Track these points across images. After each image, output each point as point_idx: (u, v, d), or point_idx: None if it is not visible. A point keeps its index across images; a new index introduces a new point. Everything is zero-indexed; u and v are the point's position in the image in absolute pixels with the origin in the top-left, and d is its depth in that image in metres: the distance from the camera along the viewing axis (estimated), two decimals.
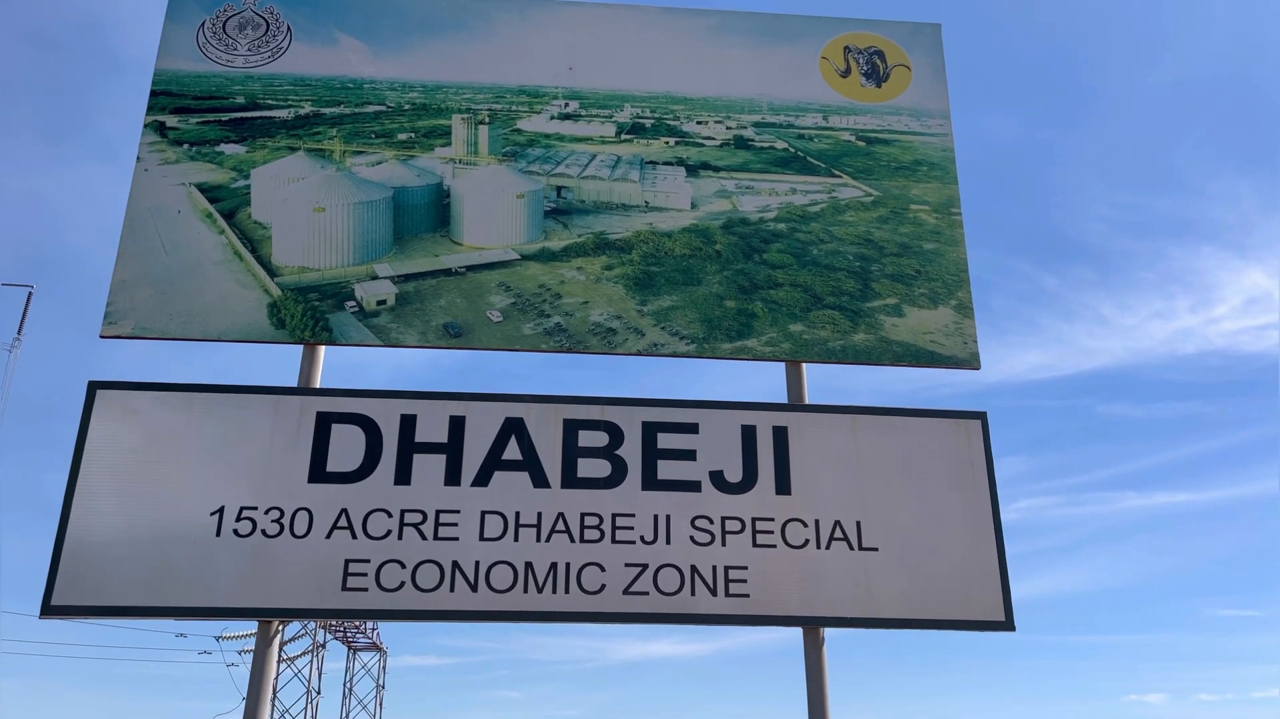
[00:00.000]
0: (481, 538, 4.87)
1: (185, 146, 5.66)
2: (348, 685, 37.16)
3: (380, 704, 37.61)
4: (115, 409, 4.95)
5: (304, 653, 33.67)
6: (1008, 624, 5.00)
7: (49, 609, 4.55)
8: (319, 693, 33.99)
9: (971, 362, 5.56)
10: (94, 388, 4.97)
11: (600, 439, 5.14)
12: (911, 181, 6.03)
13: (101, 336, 5.13)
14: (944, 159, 6.10)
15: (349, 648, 37.33)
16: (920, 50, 6.37)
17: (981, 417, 5.38)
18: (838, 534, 5.06)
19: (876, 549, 5.03)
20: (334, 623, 32.89)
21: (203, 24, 5.93)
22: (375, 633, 36.87)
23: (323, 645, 35.10)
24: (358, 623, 34.53)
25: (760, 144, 6.07)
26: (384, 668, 38.37)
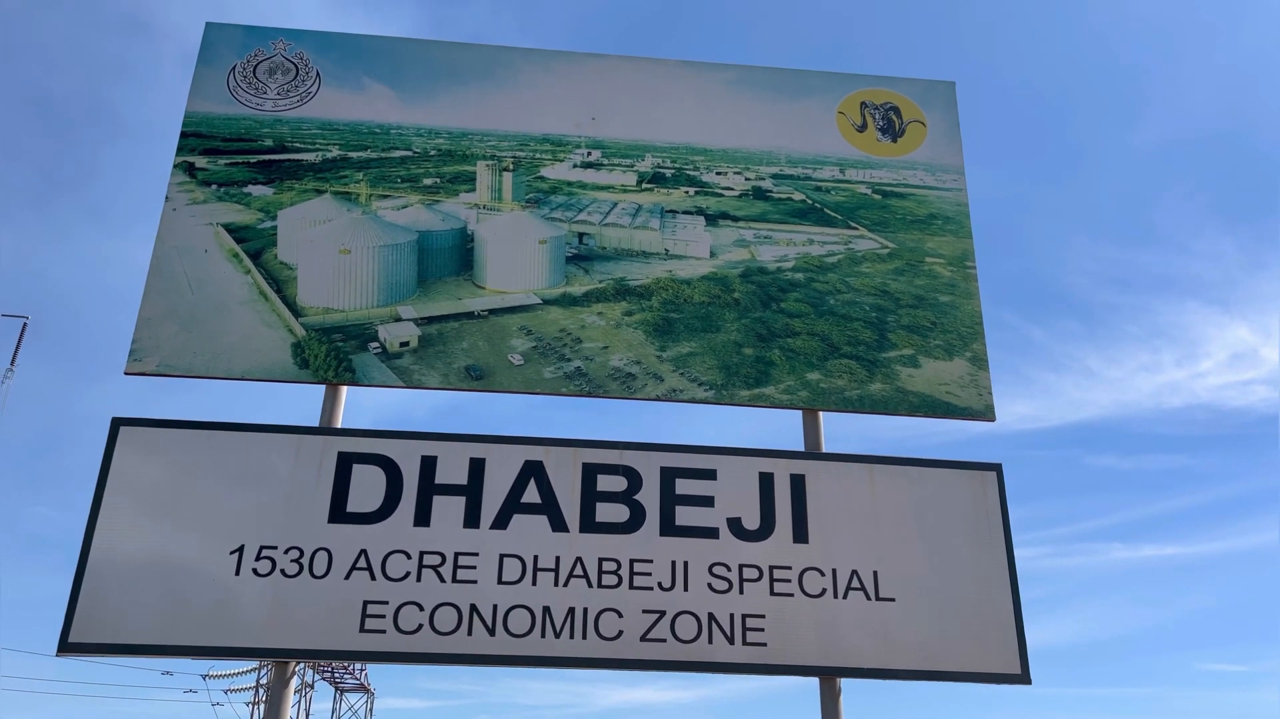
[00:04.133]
0: (500, 581, 4.86)
1: (213, 187, 5.74)
2: None
3: None
4: (138, 446, 4.96)
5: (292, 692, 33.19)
6: (1023, 677, 4.99)
7: (66, 647, 4.52)
8: None
9: (987, 414, 5.61)
10: (117, 424, 4.98)
11: (619, 484, 5.16)
12: (927, 235, 6.13)
13: (126, 373, 5.16)
14: (958, 213, 6.20)
15: (336, 689, 36.84)
16: (935, 106, 6.50)
17: (997, 468, 5.42)
18: (855, 584, 5.07)
19: (894, 599, 5.04)
20: (323, 663, 32.49)
21: (234, 68, 6.03)
22: (364, 674, 36.41)
23: (311, 685, 34.64)
24: (346, 664, 34.08)
25: (778, 195, 6.17)
26: (370, 710, 37.84)
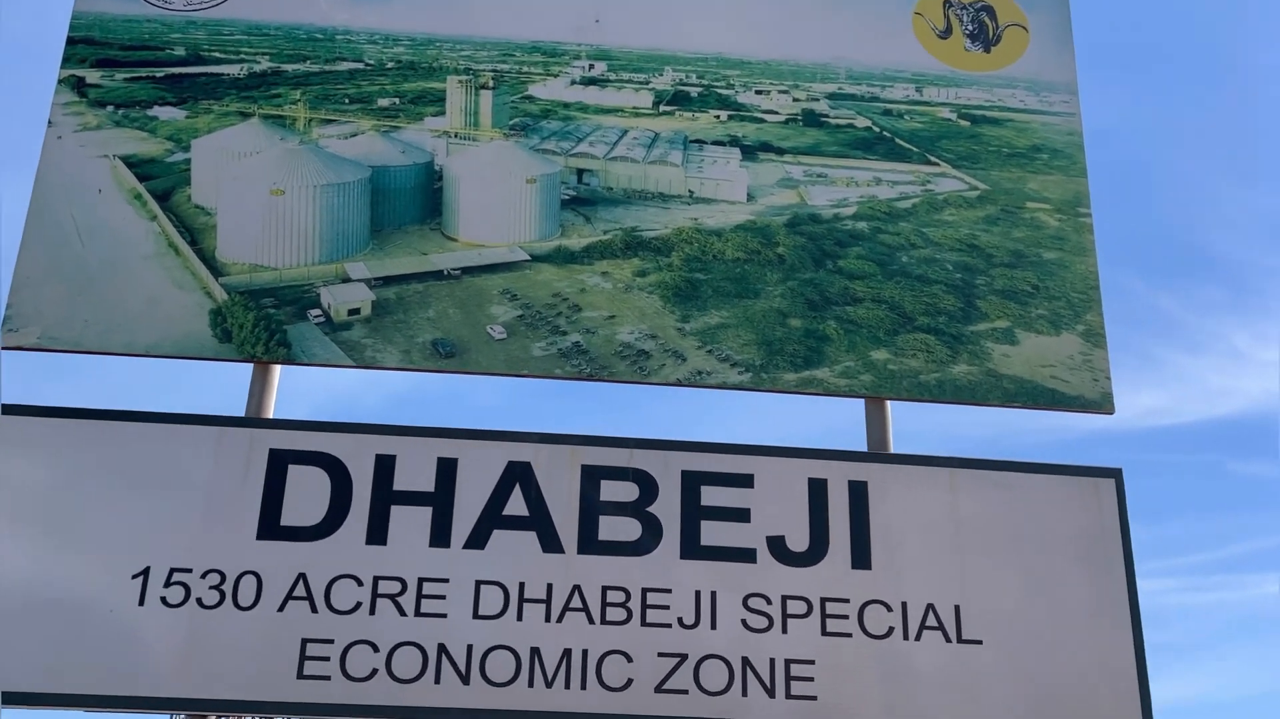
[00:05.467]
0: (476, 615, 4.92)
1: (110, 109, 5.79)
2: None
3: None
4: (14, 439, 5.03)
5: None
6: None
7: None
8: None
9: (1104, 404, 5.62)
10: None
11: (628, 492, 5.21)
12: (1028, 173, 6.13)
13: (3, 348, 5.22)
14: (1069, 145, 6.20)
15: None
16: (1040, 6, 6.49)
17: (1116, 474, 5.44)
18: (930, 622, 5.10)
19: (980, 642, 5.07)
20: (252, 716, 32.88)
21: None
22: None
23: None
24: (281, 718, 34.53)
25: (836, 121, 6.18)
26: None
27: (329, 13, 6.10)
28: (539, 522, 5.10)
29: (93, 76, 5.85)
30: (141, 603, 4.81)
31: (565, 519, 5.12)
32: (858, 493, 5.30)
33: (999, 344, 5.69)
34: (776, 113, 6.18)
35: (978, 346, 5.67)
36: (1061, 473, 5.43)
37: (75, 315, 5.29)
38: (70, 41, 5.88)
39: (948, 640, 5.08)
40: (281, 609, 4.85)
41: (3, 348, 5.24)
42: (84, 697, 4.70)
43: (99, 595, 4.80)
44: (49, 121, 5.69)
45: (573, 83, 6.12)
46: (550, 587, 4.99)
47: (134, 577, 4.84)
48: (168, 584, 4.85)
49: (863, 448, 5.50)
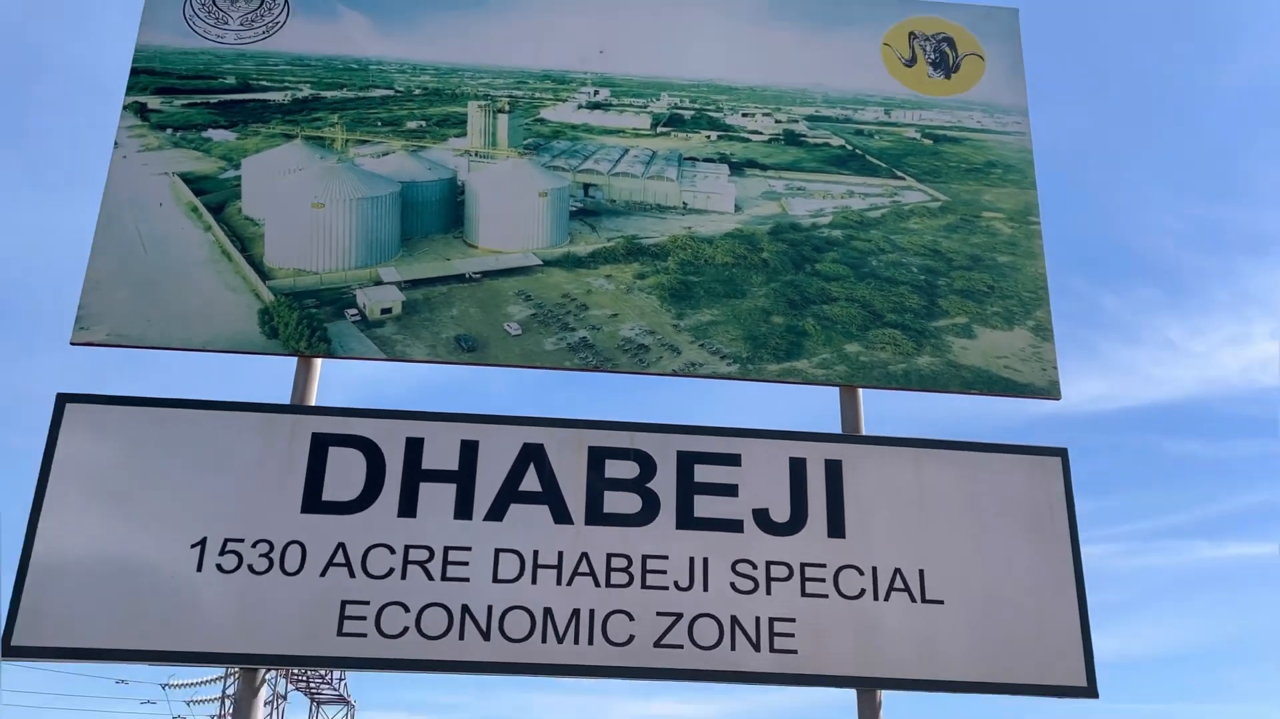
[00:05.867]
0: (495, 579, 4.91)
1: (169, 131, 5.75)
2: None
3: None
4: (86, 425, 5.01)
5: (263, 703, 33.69)
6: (1090, 691, 5.01)
7: (9, 650, 4.59)
8: None
9: (1051, 391, 5.60)
10: (63, 401, 5.03)
11: (630, 470, 5.19)
12: (984, 186, 6.09)
13: (73, 343, 5.20)
14: (1021, 160, 6.16)
15: (313, 701, 37.34)
16: (995, 38, 6.44)
17: (1062, 453, 5.41)
18: (898, 584, 5.09)
19: (942, 602, 5.06)
20: (297, 672, 32.93)
21: None
22: (343, 684, 36.89)
23: (283, 697, 35.12)
24: (323, 673, 34.55)
25: (814, 140, 6.15)
26: None
27: (363, 45, 6.07)
28: (551, 497, 5.09)
29: (154, 103, 5.81)
30: (199, 569, 4.80)
31: (574, 494, 5.10)
32: (833, 470, 5.28)
33: (958, 338, 5.66)
34: (760, 133, 6.15)
35: (939, 340, 5.64)
36: (1013, 452, 5.41)
37: (139, 314, 5.26)
38: (134, 72, 5.85)
39: (913, 601, 5.06)
40: (323, 574, 4.84)
41: (75, 343, 5.22)
42: (149, 652, 4.70)
43: (162, 563, 4.79)
44: (115, 143, 5.66)
45: (579, 107, 6.08)
46: (561, 554, 4.98)
47: (192, 546, 4.83)
48: (222, 553, 4.84)
49: (838, 431, 5.48)
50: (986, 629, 5.03)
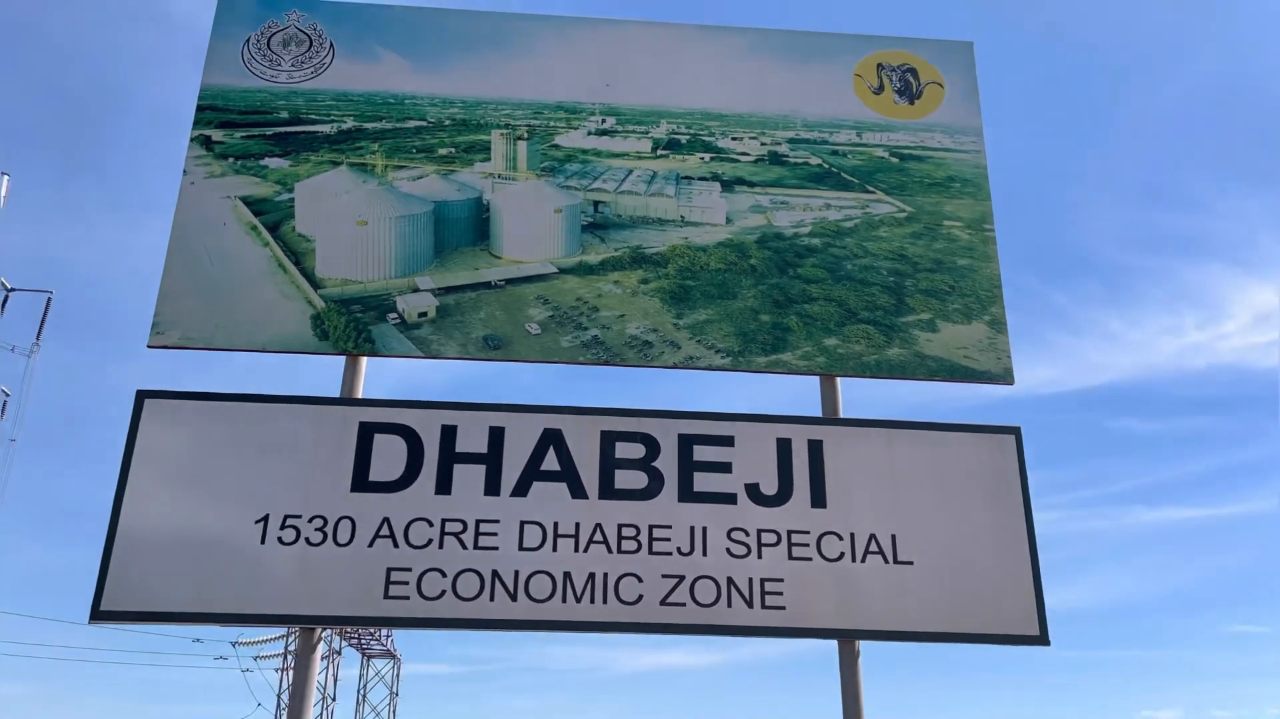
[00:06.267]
0: (521, 547, 4.94)
1: (231, 160, 5.78)
2: (361, 693, 37.27)
3: (394, 712, 37.69)
4: (162, 418, 5.05)
5: (320, 658, 33.78)
6: (1042, 638, 5.03)
7: (99, 614, 4.64)
8: (334, 699, 34.10)
9: (1005, 377, 5.60)
10: (142, 397, 5.06)
11: (637, 451, 5.21)
12: (945, 198, 6.09)
13: (149, 346, 5.23)
14: (977, 175, 6.16)
15: (363, 655, 37.44)
16: (953, 68, 6.44)
17: (1016, 431, 5.43)
18: (873, 547, 5.11)
19: (912, 563, 5.08)
20: (349, 629, 33.03)
21: (248, 40, 6.05)
22: (390, 640, 36.97)
23: (338, 652, 35.22)
24: (372, 629, 34.65)
25: (794, 160, 6.15)
26: (398, 675, 38.46)
27: (400, 83, 6.08)
28: (568, 475, 5.11)
29: (217, 135, 5.84)
30: (263, 542, 4.84)
31: (589, 473, 5.13)
32: (815, 449, 5.30)
33: (924, 332, 5.67)
34: (748, 154, 6.15)
35: (907, 334, 5.65)
36: (973, 431, 5.42)
37: (207, 320, 5.30)
38: (199, 109, 5.87)
39: (886, 562, 5.08)
40: (371, 545, 4.88)
41: (152, 346, 5.26)
42: (219, 615, 4.74)
43: (229, 537, 4.83)
44: (184, 171, 5.69)
45: (589, 134, 6.09)
46: (578, 525, 5.01)
47: (256, 522, 4.87)
48: (282, 527, 4.88)
49: (818, 413, 5.49)
50: (951, 586, 5.05)
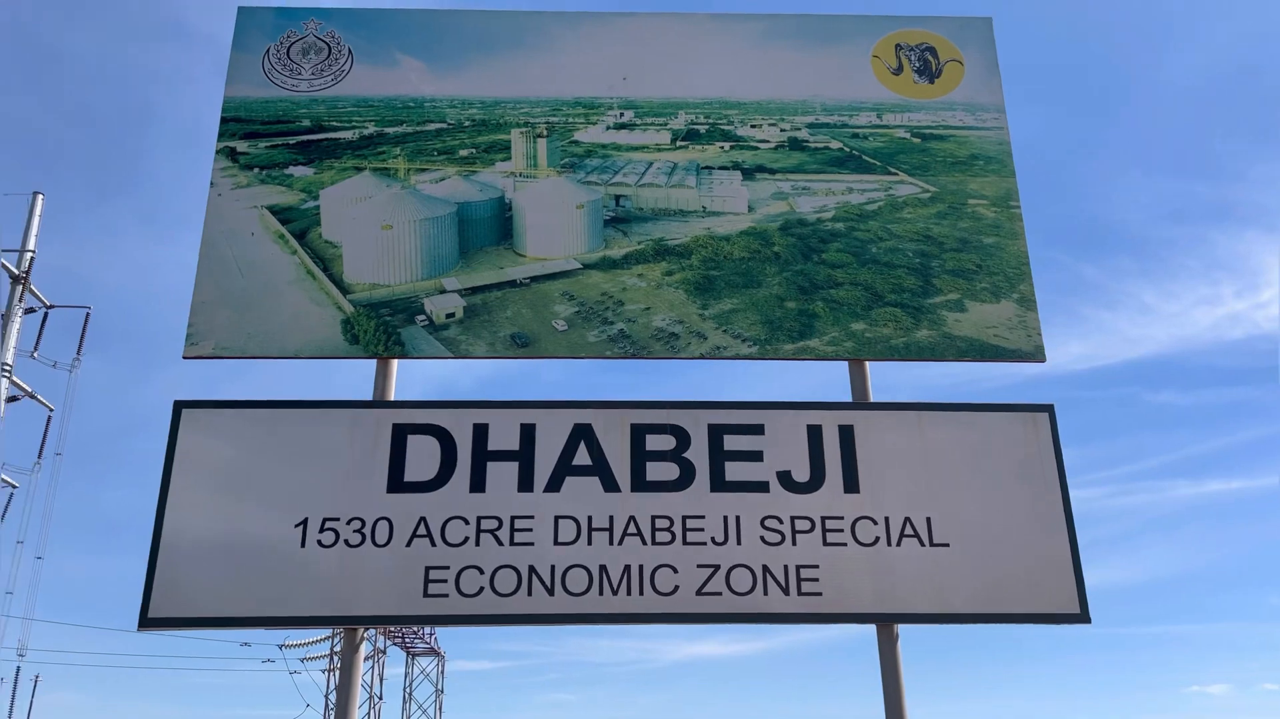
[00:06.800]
0: (556, 542, 4.97)
1: (256, 170, 5.85)
2: (407, 690, 37.66)
3: (440, 708, 38.06)
4: (201, 427, 5.13)
5: (364, 658, 34.20)
6: (1083, 616, 4.99)
7: (147, 622, 4.73)
8: (380, 698, 34.50)
9: (1036, 354, 5.55)
10: (179, 407, 5.15)
11: (667, 443, 5.22)
12: (968, 176, 6.03)
13: (185, 357, 5.31)
14: (1000, 152, 6.10)
15: (408, 653, 37.82)
16: (972, 45, 6.37)
17: (1049, 409, 5.37)
18: (908, 531, 5.09)
19: (948, 545, 5.05)
20: (393, 628, 33.35)
21: (267, 51, 6.11)
22: (433, 638, 37.32)
23: (383, 651, 35.60)
24: (415, 628, 34.98)
25: (815, 145, 6.12)
26: (442, 672, 38.82)
27: (419, 86, 6.12)
28: (600, 469, 5.13)
29: (242, 146, 5.91)
30: (303, 545, 4.90)
31: (620, 466, 5.14)
32: (846, 435, 5.28)
33: (952, 312, 5.62)
34: (768, 141, 6.13)
35: (935, 315, 5.61)
36: (1005, 410, 5.38)
37: (239, 329, 5.37)
38: (223, 120, 5.95)
39: (922, 545, 5.06)
40: (408, 545, 4.93)
41: (187, 357, 5.34)
42: (262, 618, 4.82)
43: (270, 541, 4.90)
44: (211, 183, 5.77)
45: (608, 128, 6.09)
46: (611, 518, 5.03)
47: (295, 525, 4.94)
48: (321, 530, 4.94)
49: (848, 398, 5.47)
50: (989, 567, 5.01)
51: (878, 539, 5.05)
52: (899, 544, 5.05)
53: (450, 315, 5.47)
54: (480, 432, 5.16)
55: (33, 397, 24.13)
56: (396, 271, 5.58)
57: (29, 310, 24.20)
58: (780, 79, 6.24)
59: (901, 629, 5.00)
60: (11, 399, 23.53)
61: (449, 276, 5.60)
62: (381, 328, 5.41)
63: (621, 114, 6.11)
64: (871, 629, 5.00)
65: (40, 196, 24.67)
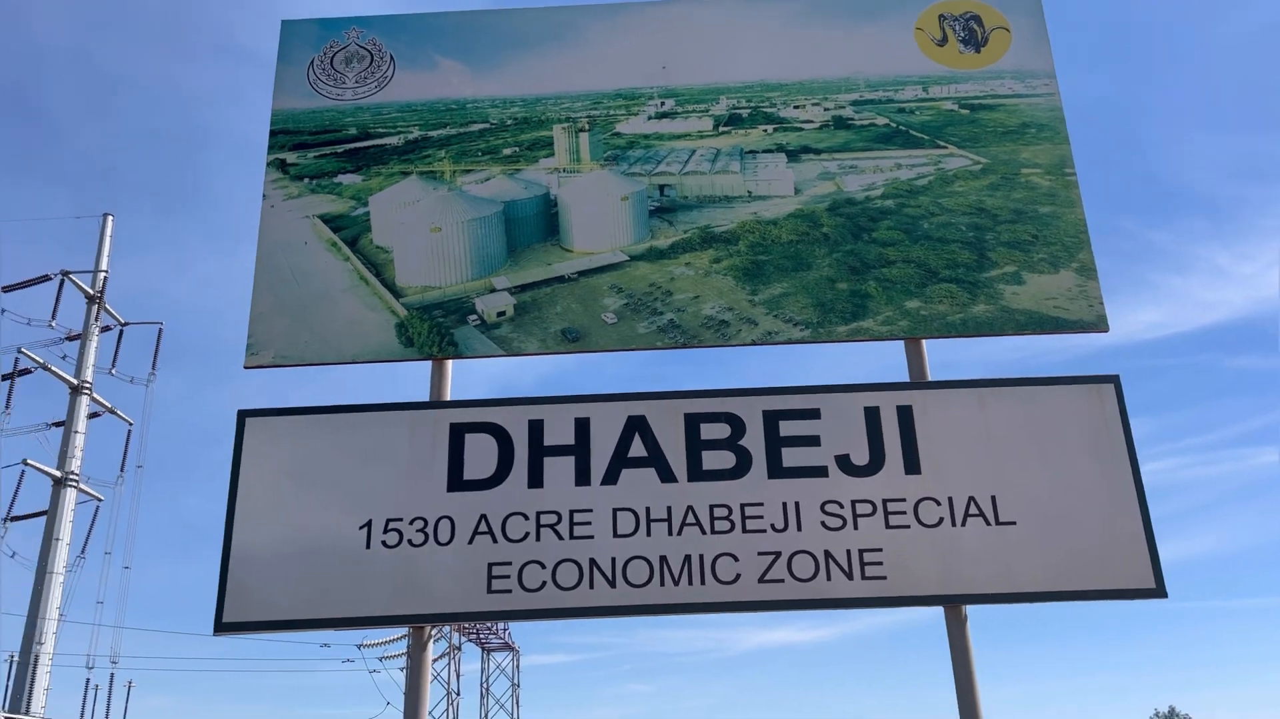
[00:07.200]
0: (615, 535, 4.98)
1: (306, 180, 5.94)
2: (484, 686, 38.20)
3: (517, 702, 38.54)
4: (266, 435, 5.24)
5: (441, 656, 34.76)
6: (1159, 591, 4.84)
7: (221, 627, 4.86)
8: (458, 694, 35.07)
9: (1099, 324, 5.39)
10: (243, 416, 5.27)
11: (722, 431, 5.19)
12: (1020, 145, 5.88)
13: (246, 368, 5.43)
14: (1052, 119, 5.93)
15: (483, 649, 38.36)
16: (1018, 10, 6.20)
17: (1115, 379, 5.22)
18: (973, 510, 4.99)
19: (1015, 523, 4.94)
20: (468, 625, 33.86)
21: (311, 62, 6.21)
22: (507, 633, 37.79)
23: (458, 648, 36.17)
24: (489, 624, 35.45)
25: (860, 122, 6.02)
26: (517, 666, 39.29)
27: (460, 88, 6.16)
28: (656, 460, 5.13)
29: (291, 157, 6.01)
30: (368, 546, 4.98)
31: (676, 456, 5.13)
32: (905, 415, 5.20)
33: (1009, 285, 5.49)
34: (812, 121, 6.04)
35: (992, 289, 5.48)
36: (1069, 383, 5.24)
37: (297, 338, 5.47)
38: (272, 134, 6.05)
39: (988, 524, 4.96)
40: (470, 542, 4.98)
41: (249, 367, 5.46)
42: (331, 619, 4.91)
43: (336, 543, 4.99)
44: (263, 195, 5.88)
45: (649, 118, 6.06)
46: (669, 509, 5.02)
47: (360, 527, 5.02)
48: (385, 531, 5.02)
49: (905, 378, 5.38)
50: (1058, 544, 4.90)
51: (941, 520, 4.97)
52: (964, 524, 4.96)
53: (501, 314, 5.50)
54: (535, 428, 5.19)
55: (113, 412, 25.00)
56: (447, 273, 5.63)
57: (105, 328, 25.05)
58: (822, 58, 6.14)
59: (970, 610, 4.91)
60: (93, 415, 24.39)
61: (498, 275, 5.63)
62: (435, 329, 5.47)
63: (662, 103, 6.08)
64: (940, 611, 4.92)
65: (110, 218, 25.50)
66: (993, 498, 5.01)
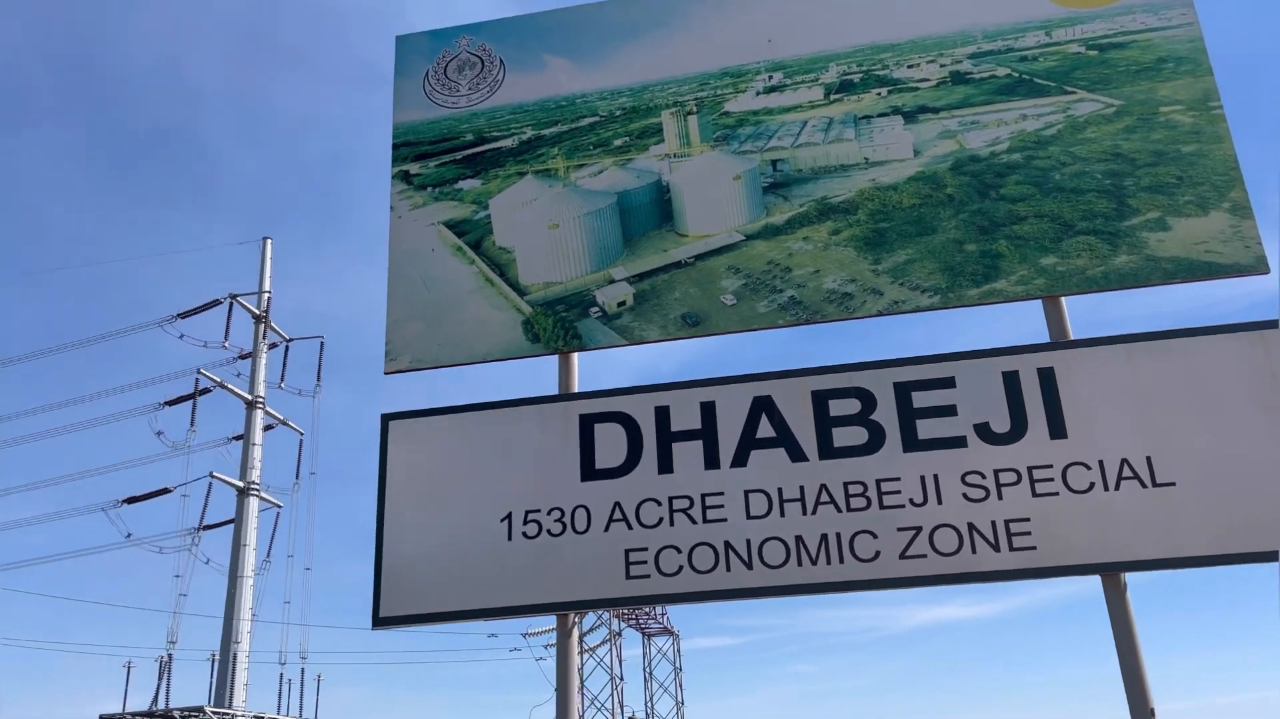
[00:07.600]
0: (748, 516, 4.96)
1: (429, 189, 6.15)
2: (647, 670, 38.76)
3: (680, 685, 38.93)
4: (406, 436, 5.47)
5: (603, 642, 35.48)
6: None
7: (379, 621, 5.11)
8: (621, 679, 35.71)
9: (1258, 266, 4.98)
10: (387, 420, 5.51)
11: (852, 406, 5.08)
12: (1158, 82, 5.49)
13: (386, 373, 5.68)
14: (1192, 50, 5.50)
15: (643, 634, 38.90)
16: None
17: (1276, 324, 4.81)
18: (1126, 473, 4.71)
19: (1174, 484, 4.64)
20: (626, 611, 34.40)
21: (426, 73, 6.41)
22: (665, 617, 38.18)
23: (619, 634, 36.80)
24: (648, 609, 35.93)
25: (979, 75, 5.75)
26: (678, 650, 39.64)
27: (568, 84, 6.23)
28: (785, 439, 5.07)
29: (414, 168, 6.23)
30: (509, 538, 5.14)
31: (805, 435, 5.06)
32: (1046, 377, 4.96)
33: (1153, 232, 5.14)
34: (928, 79, 5.81)
35: (1134, 238, 5.15)
36: (1225, 332, 4.87)
37: (431, 341, 5.68)
38: (395, 146, 6.29)
39: (1144, 486, 4.68)
40: (607, 530, 5.06)
41: (389, 373, 5.70)
42: (477, 610, 5.09)
43: (478, 537, 5.17)
44: (391, 207, 6.12)
45: (757, 94, 5.97)
46: (802, 488, 4.96)
47: (500, 521, 5.18)
48: (525, 523, 5.16)
49: (1045, 339, 5.12)
50: (1222, 505, 4.57)
51: (1093, 485, 4.72)
52: (1117, 488, 4.69)
53: (621, 304, 5.55)
54: (662, 414, 5.22)
55: (285, 423, 26.62)
56: (567, 268, 5.72)
57: (272, 345, 26.70)
58: (934, 12, 5.90)
59: (1130, 577, 4.65)
60: (267, 427, 26.07)
61: (616, 266, 5.68)
62: (559, 324, 5.57)
63: (770, 77, 5.97)
64: (1097, 580, 4.68)
65: (269, 241, 27.12)
66: (1148, 459, 4.72)
